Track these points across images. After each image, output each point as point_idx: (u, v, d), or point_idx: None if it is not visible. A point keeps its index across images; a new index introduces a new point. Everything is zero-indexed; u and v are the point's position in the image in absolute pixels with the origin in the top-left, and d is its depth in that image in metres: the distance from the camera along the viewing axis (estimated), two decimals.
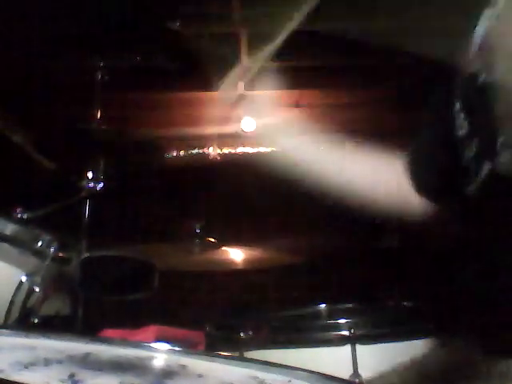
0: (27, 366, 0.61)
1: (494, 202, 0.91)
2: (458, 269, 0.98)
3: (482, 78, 0.92)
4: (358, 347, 1.55)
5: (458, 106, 0.97)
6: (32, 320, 1.41)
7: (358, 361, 1.53)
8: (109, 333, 1.70)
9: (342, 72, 3.59)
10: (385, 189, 1.14)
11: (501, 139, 0.88)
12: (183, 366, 0.66)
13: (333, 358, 1.58)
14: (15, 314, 1.38)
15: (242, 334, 1.61)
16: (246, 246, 2.17)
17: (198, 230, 2.13)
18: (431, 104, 1.08)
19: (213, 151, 1.78)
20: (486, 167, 0.91)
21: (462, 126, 0.96)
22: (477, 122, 0.94)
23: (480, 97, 0.92)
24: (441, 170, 1.05)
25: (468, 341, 0.96)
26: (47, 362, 0.63)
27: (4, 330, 0.77)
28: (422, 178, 1.09)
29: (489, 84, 0.91)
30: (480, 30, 0.96)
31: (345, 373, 1.48)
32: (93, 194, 1.97)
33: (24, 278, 1.40)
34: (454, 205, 1.00)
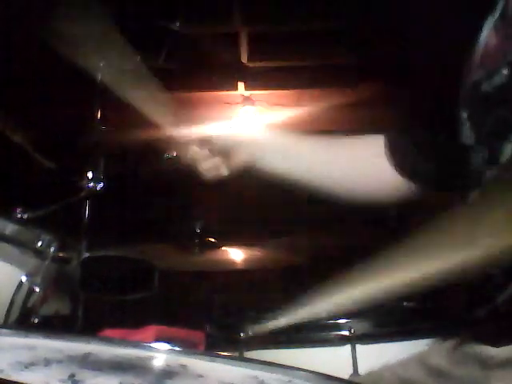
0: (27, 365, 0.61)
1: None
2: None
3: (485, 86, 0.92)
4: (358, 347, 1.56)
5: (463, 114, 0.97)
6: (32, 320, 1.42)
7: (358, 361, 1.53)
8: (109, 333, 1.70)
9: (341, 72, 3.60)
10: (377, 182, 1.14)
11: (506, 148, 0.88)
12: (183, 366, 0.66)
13: (333, 358, 1.58)
14: (15, 314, 1.38)
15: (242, 334, 1.61)
16: (245, 245, 2.17)
17: (198, 230, 2.13)
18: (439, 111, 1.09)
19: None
20: (490, 175, 0.91)
21: (469, 135, 0.96)
22: (482, 131, 0.94)
23: (484, 105, 0.93)
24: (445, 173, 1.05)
25: (469, 338, 0.96)
26: (47, 362, 0.63)
27: (4, 330, 0.77)
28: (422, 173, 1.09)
29: (491, 92, 0.91)
30: (482, 38, 0.96)
31: (345, 373, 1.48)
32: (93, 194, 1.97)
33: (24, 278, 1.40)
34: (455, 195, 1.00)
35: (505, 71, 0.89)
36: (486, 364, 0.91)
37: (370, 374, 1.13)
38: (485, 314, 0.92)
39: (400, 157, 1.11)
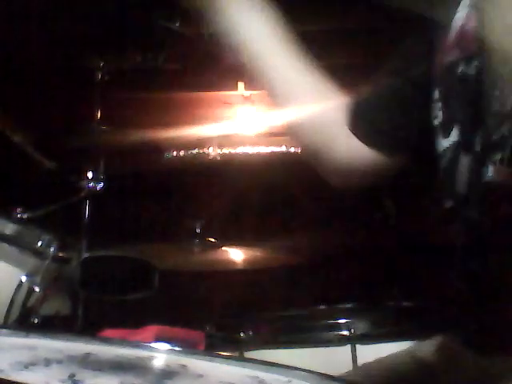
0: (27, 365, 0.61)
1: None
2: (457, 266, 0.97)
3: (461, 67, 0.90)
4: (358, 347, 1.56)
5: (436, 95, 0.95)
6: (32, 320, 1.42)
7: (358, 361, 1.54)
8: (109, 333, 1.70)
9: (342, 71, 3.58)
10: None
11: (480, 132, 0.86)
12: (183, 366, 0.66)
13: (333, 358, 1.58)
14: (15, 314, 1.38)
15: (241, 334, 1.62)
16: (246, 245, 2.17)
17: (197, 230, 2.13)
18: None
19: (213, 151, 1.78)
20: (463, 159, 0.89)
21: (438, 116, 0.94)
22: (454, 113, 0.91)
23: (459, 87, 0.91)
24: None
25: (467, 340, 0.96)
26: (47, 362, 0.63)
27: (4, 330, 0.77)
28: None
29: (468, 74, 0.89)
30: (458, 18, 0.93)
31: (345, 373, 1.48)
32: (93, 194, 1.97)
33: (24, 278, 1.40)
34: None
35: (485, 55, 0.86)
36: (481, 371, 0.91)
37: (364, 369, 1.13)
38: (481, 320, 0.92)
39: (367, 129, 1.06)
